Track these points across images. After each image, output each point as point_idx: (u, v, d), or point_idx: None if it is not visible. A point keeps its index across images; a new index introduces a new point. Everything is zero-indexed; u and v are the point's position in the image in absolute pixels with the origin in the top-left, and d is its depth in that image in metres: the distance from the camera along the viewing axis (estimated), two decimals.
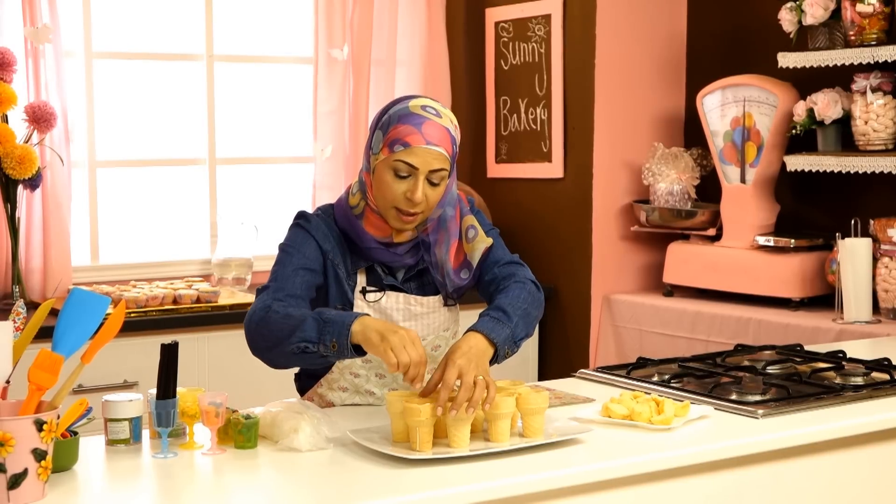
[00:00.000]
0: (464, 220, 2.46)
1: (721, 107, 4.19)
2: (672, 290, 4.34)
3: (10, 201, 3.93)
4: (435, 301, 2.48)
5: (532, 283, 2.44)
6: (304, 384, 2.59)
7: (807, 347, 3.11)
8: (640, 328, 4.28)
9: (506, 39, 4.75)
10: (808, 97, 3.87)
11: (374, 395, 2.50)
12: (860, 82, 3.73)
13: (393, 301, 2.44)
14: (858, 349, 3.10)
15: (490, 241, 2.46)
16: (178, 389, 2.15)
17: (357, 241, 2.42)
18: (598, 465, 2.05)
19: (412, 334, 2.16)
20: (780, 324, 3.76)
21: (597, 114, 4.40)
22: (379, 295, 2.44)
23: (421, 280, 2.49)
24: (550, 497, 2.00)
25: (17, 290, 3.97)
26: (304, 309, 2.30)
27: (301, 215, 2.48)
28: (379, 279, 2.46)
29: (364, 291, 2.43)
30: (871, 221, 3.73)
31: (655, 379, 2.69)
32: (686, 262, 4.28)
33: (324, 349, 2.20)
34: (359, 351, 2.20)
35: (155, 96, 4.52)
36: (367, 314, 2.25)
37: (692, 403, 2.39)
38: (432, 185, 2.34)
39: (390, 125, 2.34)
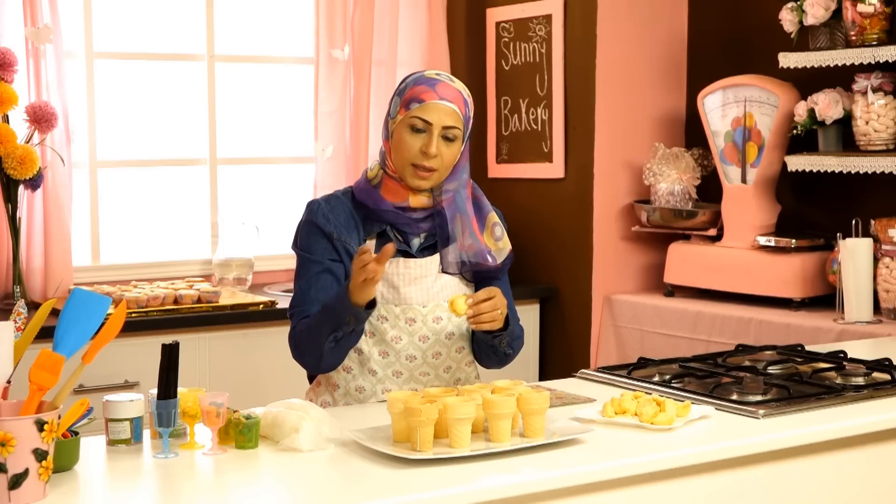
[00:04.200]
0: (488, 217, 2.60)
1: (722, 107, 4.18)
2: (673, 291, 4.33)
3: (11, 201, 3.93)
4: (430, 263, 2.54)
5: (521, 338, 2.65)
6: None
7: (808, 347, 3.11)
8: (640, 328, 4.28)
9: (507, 39, 4.75)
10: (809, 97, 3.87)
11: (376, 375, 2.54)
12: (861, 82, 3.73)
13: (393, 267, 2.51)
14: (859, 349, 3.10)
15: (510, 247, 2.62)
16: (179, 389, 2.14)
17: (373, 205, 2.51)
18: (598, 465, 2.05)
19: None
20: (781, 324, 3.76)
21: (598, 114, 4.39)
22: None
23: (434, 251, 2.56)
24: (550, 497, 2.00)
25: (18, 290, 3.98)
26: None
27: (307, 206, 2.58)
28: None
29: None
30: (872, 221, 3.73)
31: (656, 379, 2.69)
32: (687, 262, 4.28)
33: (346, 327, 2.38)
34: (369, 306, 2.39)
35: (156, 96, 4.52)
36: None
37: (693, 403, 2.39)
38: (447, 140, 2.48)
39: (406, 89, 2.50)
